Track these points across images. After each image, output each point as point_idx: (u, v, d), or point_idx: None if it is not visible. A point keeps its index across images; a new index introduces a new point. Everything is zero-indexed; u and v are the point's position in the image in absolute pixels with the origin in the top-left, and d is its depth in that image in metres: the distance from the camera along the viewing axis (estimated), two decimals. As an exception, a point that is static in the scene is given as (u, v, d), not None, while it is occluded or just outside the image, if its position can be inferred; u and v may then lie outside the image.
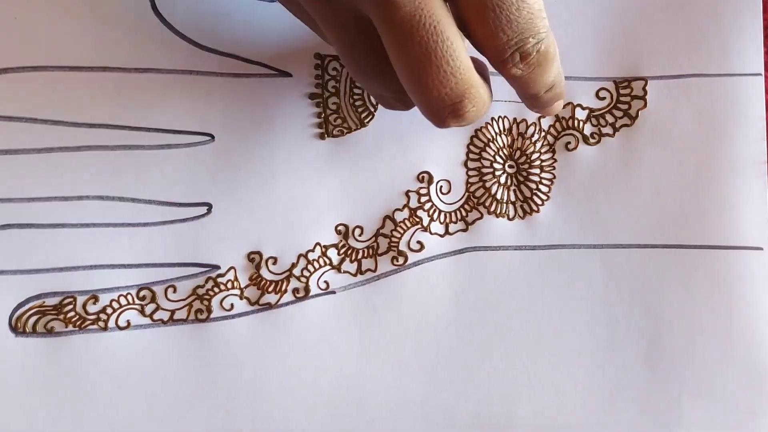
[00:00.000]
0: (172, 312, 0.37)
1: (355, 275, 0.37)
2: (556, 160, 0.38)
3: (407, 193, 0.38)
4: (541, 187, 0.38)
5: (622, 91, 0.38)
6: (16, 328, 0.36)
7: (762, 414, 0.37)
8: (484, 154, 0.38)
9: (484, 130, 0.38)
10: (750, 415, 0.37)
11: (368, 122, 0.37)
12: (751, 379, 0.37)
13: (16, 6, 0.36)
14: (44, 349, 0.36)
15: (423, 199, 0.38)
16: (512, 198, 0.38)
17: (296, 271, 0.37)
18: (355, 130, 0.37)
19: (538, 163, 0.38)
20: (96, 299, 0.36)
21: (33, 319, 0.36)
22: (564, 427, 0.37)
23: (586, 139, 0.38)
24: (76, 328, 0.36)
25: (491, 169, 0.38)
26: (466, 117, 0.28)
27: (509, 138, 0.38)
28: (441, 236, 0.38)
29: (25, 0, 0.36)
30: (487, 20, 0.26)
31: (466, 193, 0.38)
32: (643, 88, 0.38)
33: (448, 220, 0.38)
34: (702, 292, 0.37)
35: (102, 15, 0.36)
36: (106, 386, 0.36)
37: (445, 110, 0.28)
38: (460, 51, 0.26)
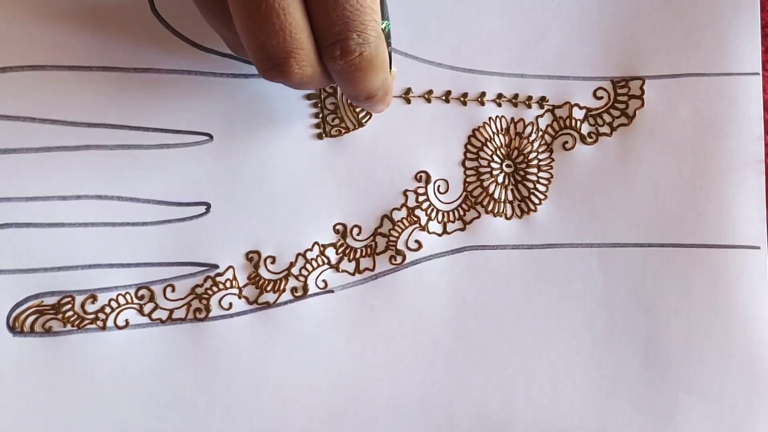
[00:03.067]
0: (171, 311, 0.37)
1: (353, 274, 0.37)
2: (553, 160, 0.38)
3: (405, 193, 0.38)
4: (538, 186, 0.38)
5: (619, 91, 0.38)
6: (14, 327, 0.36)
7: (758, 412, 0.37)
8: (482, 154, 0.38)
9: (481, 129, 0.38)
10: (747, 413, 0.37)
11: (366, 122, 0.37)
12: (748, 377, 0.37)
13: (14, 5, 0.36)
14: (42, 349, 0.36)
15: (421, 198, 0.38)
16: (510, 197, 0.38)
17: (294, 270, 0.37)
18: (353, 129, 0.37)
19: (535, 162, 0.38)
20: (94, 299, 0.36)
21: (31, 318, 0.36)
22: (561, 425, 0.37)
23: (583, 139, 0.38)
24: (75, 328, 0.36)
25: (489, 169, 0.38)
26: (291, 77, 0.28)
27: (507, 137, 0.38)
28: (439, 235, 0.38)
29: None
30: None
31: (464, 193, 0.38)
32: (641, 88, 0.38)
33: (445, 220, 0.38)
34: (699, 291, 0.38)
35: (100, 15, 0.36)
36: (105, 385, 0.36)
37: (269, 62, 0.27)
38: (293, 9, 0.26)
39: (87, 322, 0.36)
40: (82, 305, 0.36)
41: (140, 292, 0.36)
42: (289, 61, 0.27)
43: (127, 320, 0.36)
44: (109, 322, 0.36)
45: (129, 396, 0.36)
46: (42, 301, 0.36)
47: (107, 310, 0.36)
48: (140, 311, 0.36)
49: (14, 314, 0.36)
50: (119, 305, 0.36)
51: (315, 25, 0.27)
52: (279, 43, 0.26)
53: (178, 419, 0.36)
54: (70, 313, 0.36)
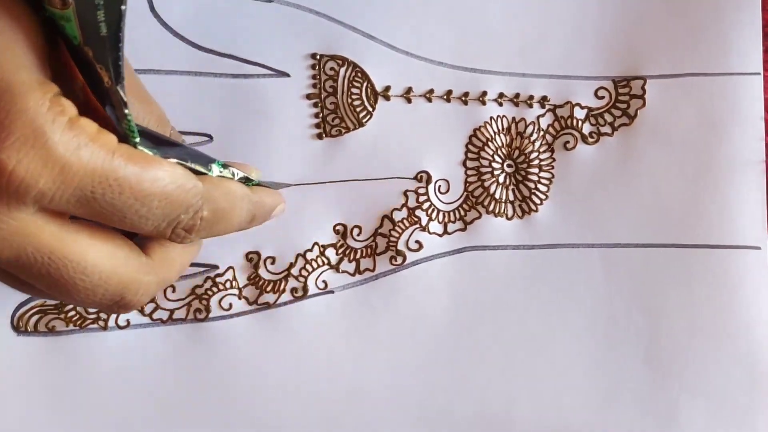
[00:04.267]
0: (171, 311, 0.37)
1: (353, 275, 0.37)
2: (554, 160, 0.38)
3: (405, 193, 0.38)
4: (539, 186, 0.38)
5: (621, 91, 0.38)
6: (18, 327, 0.36)
7: (760, 412, 0.37)
8: (483, 154, 0.38)
9: (482, 129, 0.38)
10: (748, 414, 0.37)
11: (366, 122, 0.37)
12: (750, 378, 0.37)
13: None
14: (45, 348, 0.36)
15: (421, 198, 0.38)
16: (511, 197, 0.38)
17: (294, 271, 0.37)
18: (353, 129, 0.37)
19: (536, 162, 0.38)
20: (96, 299, 0.36)
21: (34, 318, 0.36)
22: (563, 426, 0.37)
23: (584, 139, 0.38)
24: (77, 327, 0.36)
25: (490, 169, 0.38)
26: (137, 305, 0.26)
27: (508, 137, 0.38)
28: (439, 236, 0.38)
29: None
30: (123, 226, 0.24)
31: (465, 193, 0.38)
32: (642, 88, 0.38)
33: (446, 220, 0.38)
34: (701, 292, 0.37)
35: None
36: (106, 385, 0.36)
37: (110, 309, 0.25)
38: (94, 264, 0.24)
39: (89, 321, 0.36)
40: (84, 305, 0.36)
41: (141, 293, 0.37)
42: (126, 299, 0.25)
43: (128, 320, 0.37)
44: (111, 322, 0.36)
45: (130, 395, 0.36)
46: (45, 301, 0.36)
47: (108, 310, 0.36)
48: (141, 311, 0.37)
49: (18, 314, 0.36)
50: (120, 305, 0.36)
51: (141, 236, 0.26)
52: (103, 294, 0.24)
53: (178, 419, 0.37)
54: (73, 312, 0.36)
